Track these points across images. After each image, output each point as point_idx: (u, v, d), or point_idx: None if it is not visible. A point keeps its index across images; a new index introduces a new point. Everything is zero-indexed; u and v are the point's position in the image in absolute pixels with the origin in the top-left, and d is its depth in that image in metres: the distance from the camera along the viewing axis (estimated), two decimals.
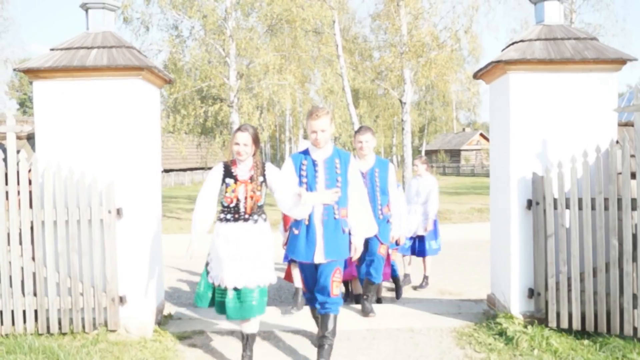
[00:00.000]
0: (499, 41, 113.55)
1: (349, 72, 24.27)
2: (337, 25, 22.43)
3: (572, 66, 5.70)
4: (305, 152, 5.10)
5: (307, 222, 4.94)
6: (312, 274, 5.11)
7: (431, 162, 61.53)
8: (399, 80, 24.79)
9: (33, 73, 5.77)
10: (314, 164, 4.99)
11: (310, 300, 5.26)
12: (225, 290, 4.94)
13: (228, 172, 4.97)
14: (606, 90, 5.75)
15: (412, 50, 22.83)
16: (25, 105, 60.60)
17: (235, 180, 4.93)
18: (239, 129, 4.95)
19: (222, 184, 4.98)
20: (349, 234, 5.06)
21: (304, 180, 4.96)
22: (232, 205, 4.92)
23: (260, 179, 4.95)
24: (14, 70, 5.84)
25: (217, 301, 5.02)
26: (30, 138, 6.17)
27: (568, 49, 5.73)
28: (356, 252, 5.08)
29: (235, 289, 4.91)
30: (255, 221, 4.94)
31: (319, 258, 4.93)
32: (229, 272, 4.88)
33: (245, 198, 4.90)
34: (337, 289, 5.00)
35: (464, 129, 70.32)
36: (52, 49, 5.96)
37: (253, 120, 22.21)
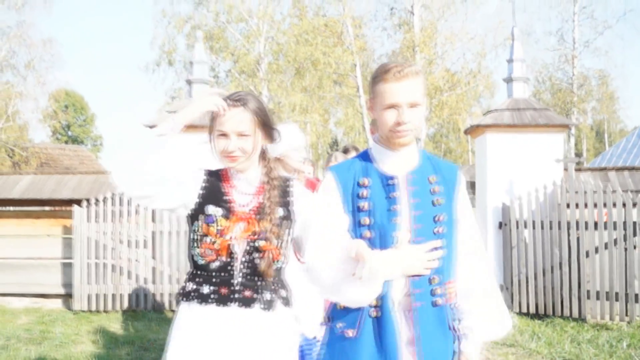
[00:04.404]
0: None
1: (368, 111, 26.60)
2: (359, 68, 24.91)
3: (530, 129, 8.11)
4: (364, 157, 2.39)
5: (376, 313, 2.22)
6: None
7: None
8: None
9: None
10: (388, 184, 2.28)
11: None
12: None
13: (214, 193, 2.28)
14: (554, 146, 8.15)
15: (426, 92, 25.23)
16: (57, 132, 62.11)
17: (229, 211, 2.23)
18: (226, 100, 2.25)
19: (197, 219, 2.25)
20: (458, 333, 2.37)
21: (365, 220, 2.26)
22: (214, 266, 2.22)
23: (280, 211, 2.25)
24: (144, 125, 8.19)
25: None
26: None
27: (527, 117, 8.16)
28: None
29: None
30: (269, 305, 2.23)
31: None
32: None
33: (247, 253, 2.22)
34: None
35: None
36: (167, 111, 8.48)
37: None
